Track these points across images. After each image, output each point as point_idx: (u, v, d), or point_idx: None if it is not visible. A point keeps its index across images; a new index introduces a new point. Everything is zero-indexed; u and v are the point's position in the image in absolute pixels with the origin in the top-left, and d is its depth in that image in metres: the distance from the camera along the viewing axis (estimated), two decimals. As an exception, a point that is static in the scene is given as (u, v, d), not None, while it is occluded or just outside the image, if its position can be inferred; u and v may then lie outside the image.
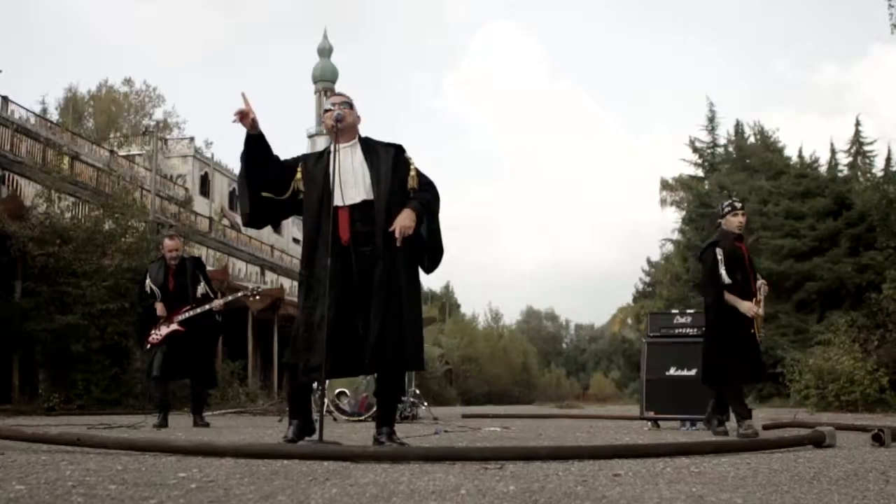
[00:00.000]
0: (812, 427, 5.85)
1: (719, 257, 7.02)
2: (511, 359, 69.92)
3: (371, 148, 4.96)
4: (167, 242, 8.88)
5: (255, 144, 4.88)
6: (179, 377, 9.20)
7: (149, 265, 9.34)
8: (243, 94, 4.87)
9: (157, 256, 9.64)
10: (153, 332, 8.48)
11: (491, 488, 2.91)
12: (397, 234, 4.64)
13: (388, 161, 4.88)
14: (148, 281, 8.65)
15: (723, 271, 6.96)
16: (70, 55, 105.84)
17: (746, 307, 6.96)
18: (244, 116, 4.78)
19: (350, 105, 5.03)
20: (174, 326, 8.43)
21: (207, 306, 8.54)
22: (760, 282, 7.23)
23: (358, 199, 4.80)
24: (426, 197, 4.91)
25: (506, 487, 2.93)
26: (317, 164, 4.92)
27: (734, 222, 7.18)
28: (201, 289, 8.61)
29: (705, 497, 2.73)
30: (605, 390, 79.17)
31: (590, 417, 13.57)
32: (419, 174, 4.94)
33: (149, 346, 8.62)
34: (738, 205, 7.36)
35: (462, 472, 3.46)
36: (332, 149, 4.83)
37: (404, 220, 4.66)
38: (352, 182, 4.82)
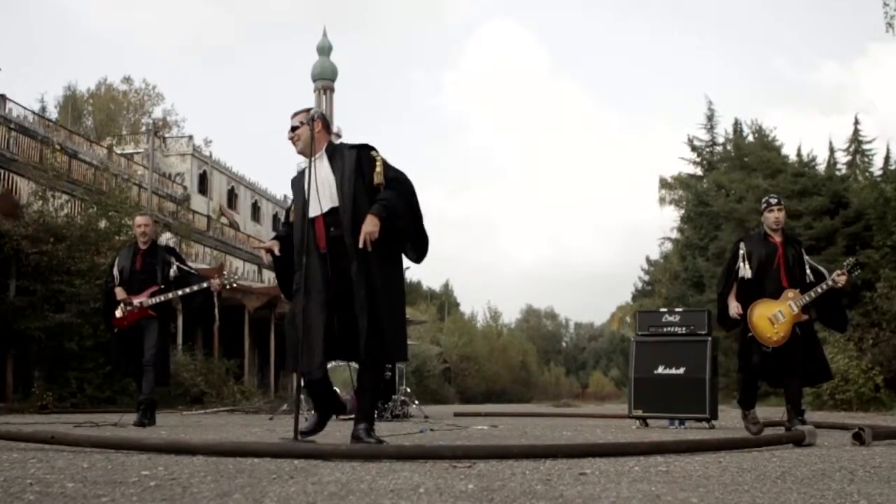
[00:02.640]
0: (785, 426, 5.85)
1: (741, 252, 7.08)
2: (510, 357, 69.81)
3: (337, 154, 5.09)
4: (137, 219, 8.54)
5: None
6: (140, 371, 8.17)
7: (121, 249, 8.95)
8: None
9: (131, 242, 9.04)
10: (117, 311, 8.06)
11: (450, 487, 2.91)
12: (360, 243, 4.76)
13: (350, 164, 4.99)
14: (115, 263, 8.31)
15: (743, 265, 7.00)
16: (69, 53, 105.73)
17: (732, 308, 7.02)
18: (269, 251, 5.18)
19: (310, 120, 5.12)
20: (141, 301, 7.97)
21: (195, 287, 8.05)
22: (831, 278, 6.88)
23: (327, 207, 4.98)
24: (388, 196, 4.94)
25: (465, 486, 2.93)
26: (300, 180, 5.11)
27: (770, 218, 7.10)
28: (174, 271, 8.13)
29: (662, 496, 2.72)
30: (605, 389, 79.27)
31: (580, 416, 13.57)
32: (386, 169, 5.00)
33: (116, 329, 8.19)
34: (773, 200, 7.19)
35: (430, 470, 3.46)
36: (308, 163, 5.01)
37: (367, 227, 4.77)
38: (324, 191, 4.99)
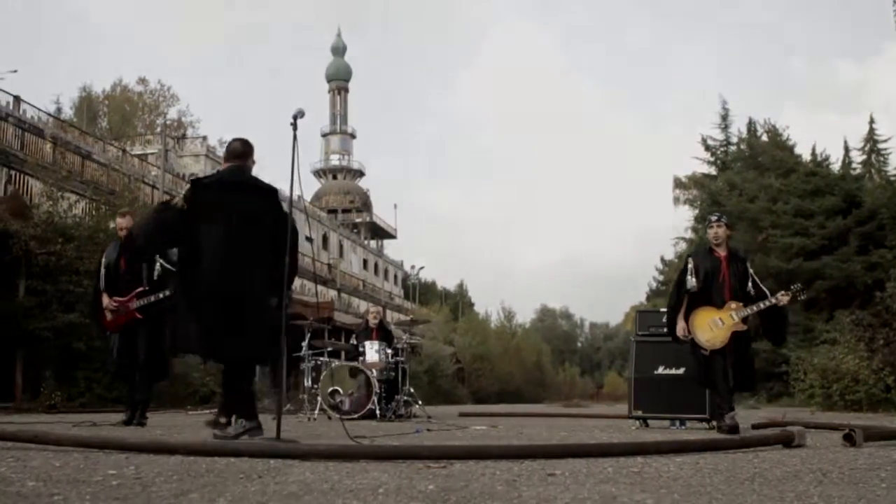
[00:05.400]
0: (783, 426, 5.81)
1: (689, 266, 7.61)
2: (524, 357, 69.69)
3: None
4: (119, 220, 8.43)
5: None
6: (135, 369, 8.14)
7: (109, 244, 8.87)
8: None
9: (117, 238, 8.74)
10: (106, 313, 8.06)
11: (411, 487, 2.91)
12: None
13: None
14: (103, 261, 8.24)
15: (689, 277, 7.52)
16: (85, 55, 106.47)
17: (679, 328, 7.51)
18: None
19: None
20: (132, 305, 7.95)
21: (168, 292, 7.78)
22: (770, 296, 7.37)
23: None
24: None
25: (426, 487, 2.93)
26: None
27: (710, 234, 7.71)
28: (157, 270, 8.00)
29: (619, 497, 2.71)
30: (619, 389, 78.84)
31: (583, 416, 13.52)
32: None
33: (107, 332, 8.19)
34: (713, 218, 7.81)
35: (402, 471, 3.46)
36: None
37: None
38: None
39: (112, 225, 18.42)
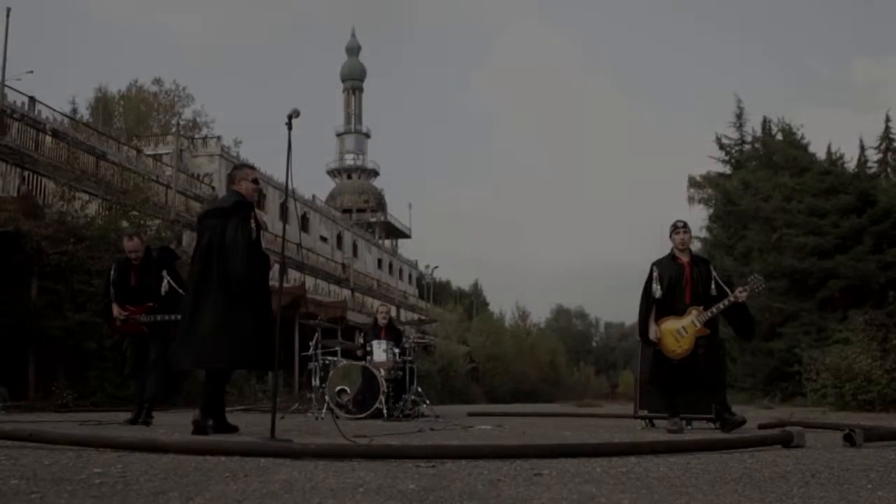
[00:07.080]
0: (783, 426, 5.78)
1: (654, 274, 7.77)
2: (539, 357, 69.56)
3: None
4: (126, 244, 8.26)
5: None
6: (144, 370, 8.19)
7: (116, 257, 8.81)
8: None
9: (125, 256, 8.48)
10: (116, 320, 8.11)
11: (391, 487, 2.91)
12: None
13: None
14: (111, 279, 8.25)
15: (655, 286, 7.69)
16: (100, 55, 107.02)
17: (651, 332, 7.70)
18: None
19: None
20: (141, 319, 8.00)
21: (173, 316, 7.60)
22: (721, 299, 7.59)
23: None
24: None
25: (406, 486, 2.94)
26: None
27: (676, 240, 7.84)
28: (165, 286, 7.98)
29: (597, 497, 2.71)
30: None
31: (590, 416, 13.51)
32: None
33: (117, 336, 8.41)
34: (679, 224, 7.94)
35: (390, 470, 3.46)
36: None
37: None
38: None
39: (125, 224, 18.53)
